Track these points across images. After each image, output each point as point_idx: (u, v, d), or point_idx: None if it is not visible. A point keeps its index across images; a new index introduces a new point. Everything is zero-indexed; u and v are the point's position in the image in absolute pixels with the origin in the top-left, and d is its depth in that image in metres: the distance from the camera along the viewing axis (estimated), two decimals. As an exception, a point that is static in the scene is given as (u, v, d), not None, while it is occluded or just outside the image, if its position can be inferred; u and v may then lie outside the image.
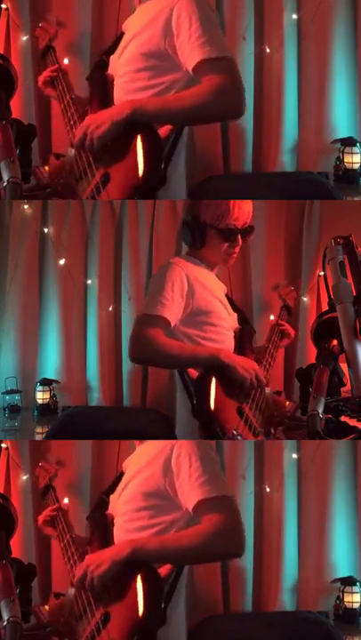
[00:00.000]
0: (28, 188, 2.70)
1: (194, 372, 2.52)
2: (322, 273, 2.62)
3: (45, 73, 2.76)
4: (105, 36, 2.88)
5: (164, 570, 2.45)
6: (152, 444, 2.53)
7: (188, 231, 2.57)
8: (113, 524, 2.50)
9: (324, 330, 2.60)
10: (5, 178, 2.54)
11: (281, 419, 2.68)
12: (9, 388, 3.09)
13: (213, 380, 2.44)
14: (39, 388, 3.06)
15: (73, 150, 2.64)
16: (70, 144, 2.66)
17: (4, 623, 2.40)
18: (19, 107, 2.83)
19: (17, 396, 3.09)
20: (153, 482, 2.43)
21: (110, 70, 2.61)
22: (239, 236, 2.58)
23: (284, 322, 2.92)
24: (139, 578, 2.34)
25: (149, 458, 2.47)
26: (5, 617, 2.41)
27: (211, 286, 2.58)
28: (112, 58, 2.62)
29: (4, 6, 2.88)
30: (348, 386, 2.41)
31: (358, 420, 2.41)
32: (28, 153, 2.69)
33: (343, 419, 2.41)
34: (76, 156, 2.61)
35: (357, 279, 2.43)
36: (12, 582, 2.50)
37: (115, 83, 2.57)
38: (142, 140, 2.45)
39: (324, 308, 2.70)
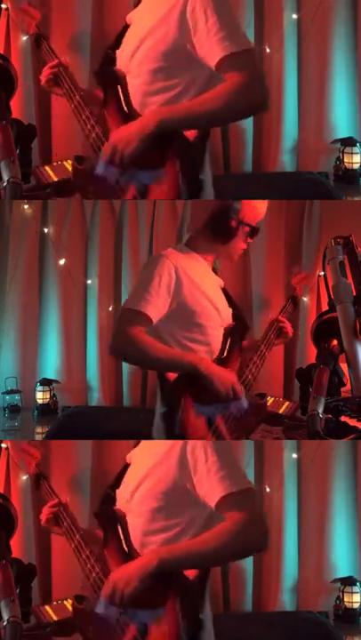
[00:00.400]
0: (28, 188, 2.70)
1: (172, 376, 2.45)
2: (322, 273, 2.62)
3: (46, 71, 2.59)
4: (106, 28, 2.84)
5: (191, 574, 2.35)
6: (160, 441, 2.47)
7: (222, 224, 2.48)
8: (126, 522, 2.39)
9: (324, 330, 2.59)
10: (5, 178, 2.54)
11: (259, 424, 2.63)
12: (9, 388, 3.09)
13: (187, 388, 2.39)
14: (39, 387, 3.06)
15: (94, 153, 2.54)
16: (91, 147, 2.50)
17: (4, 623, 2.40)
18: (19, 107, 2.82)
19: (17, 396, 3.09)
20: (169, 478, 2.32)
21: (119, 66, 2.48)
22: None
23: (284, 319, 2.83)
24: (172, 588, 2.26)
25: (162, 454, 2.36)
26: (5, 617, 2.41)
27: (202, 282, 2.49)
28: (119, 52, 2.49)
29: (3, 6, 2.87)
30: (348, 386, 2.40)
31: (358, 420, 2.41)
32: (28, 153, 2.69)
33: (343, 419, 2.41)
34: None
35: (357, 279, 2.43)
36: (11, 582, 2.49)
37: (129, 82, 2.44)
38: (175, 149, 2.37)
39: (324, 307, 2.70)
